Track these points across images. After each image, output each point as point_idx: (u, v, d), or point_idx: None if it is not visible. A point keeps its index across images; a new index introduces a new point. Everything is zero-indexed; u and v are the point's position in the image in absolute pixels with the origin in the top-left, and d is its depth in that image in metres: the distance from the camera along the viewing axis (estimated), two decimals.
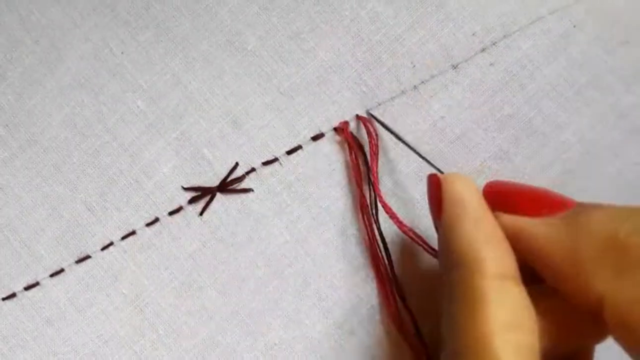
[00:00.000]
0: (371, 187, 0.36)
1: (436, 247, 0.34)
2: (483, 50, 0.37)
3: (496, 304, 0.28)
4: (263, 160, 0.37)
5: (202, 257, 0.37)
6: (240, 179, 0.37)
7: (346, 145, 0.37)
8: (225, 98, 0.37)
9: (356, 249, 0.37)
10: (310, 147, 0.37)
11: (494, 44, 0.37)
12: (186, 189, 0.37)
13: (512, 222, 0.30)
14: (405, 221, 0.36)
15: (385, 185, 0.37)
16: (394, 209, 0.36)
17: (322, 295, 0.37)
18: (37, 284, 0.37)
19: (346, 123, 0.37)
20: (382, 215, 0.36)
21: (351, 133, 0.37)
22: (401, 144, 0.36)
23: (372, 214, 0.36)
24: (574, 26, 0.36)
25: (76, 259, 0.37)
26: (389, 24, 0.37)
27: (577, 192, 0.36)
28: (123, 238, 0.37)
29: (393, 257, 0.36)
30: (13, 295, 0.37)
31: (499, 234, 0.30)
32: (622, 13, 0.36)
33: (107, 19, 0.37)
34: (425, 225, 0.37)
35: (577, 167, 0.36)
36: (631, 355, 0.27)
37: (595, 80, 0.36)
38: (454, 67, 0.37)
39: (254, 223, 0.37)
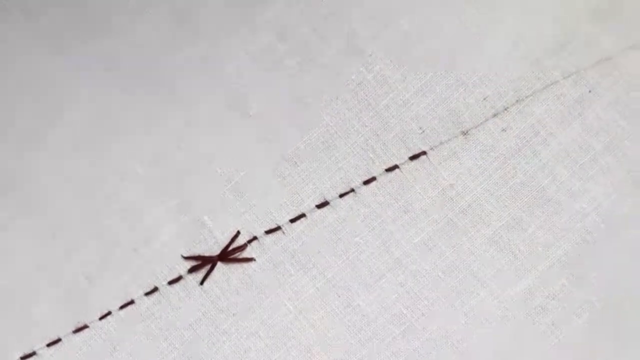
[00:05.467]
0: None
1: None
2: (495, 115, 0.35)
3: None
4: (265, 229, 0.36)
5: (203, 328, 0.36)
6: (241, 248, 0.36)
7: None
8: (227, 164, 0.36)
9: (362, 321, 0.35)
10: (314, 216, 0.36)
11: (506, 109, 0.35)
12: (186, 258, 0.36)
13: None
14: (410, 296, 0.35)
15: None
16: (402, 280, 0.35)
17: None
18: (33, 353, 0.36)
19: None
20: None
21: None
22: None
23: None
24: (590, 91, 0.35)
25: (74, 329, 0.36)
26: (397, 88, 0.36)
27: (593, 263, 0.35)
28: (121, 307, 0.36)
29: None
30: None
31: None
32: None
33: (108, 79, 0.36)
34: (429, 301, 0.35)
35: (593, 238, 0.35)
36: None
37: (612, 147, 0.35)
38: (464, 133, 0.35)
39: (256, 293, 0.36)
